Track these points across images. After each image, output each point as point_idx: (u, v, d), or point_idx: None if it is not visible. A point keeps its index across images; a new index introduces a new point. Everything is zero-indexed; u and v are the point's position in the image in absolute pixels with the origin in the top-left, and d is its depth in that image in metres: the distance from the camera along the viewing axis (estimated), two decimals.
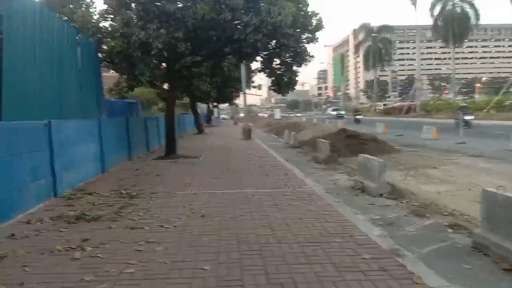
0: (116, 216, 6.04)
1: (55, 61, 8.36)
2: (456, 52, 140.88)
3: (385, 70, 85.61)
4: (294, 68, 13.67)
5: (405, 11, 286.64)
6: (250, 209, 6.34)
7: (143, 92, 28.51)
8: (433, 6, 47.55)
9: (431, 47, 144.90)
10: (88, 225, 5.60)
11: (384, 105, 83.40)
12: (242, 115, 45.02)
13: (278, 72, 13.85)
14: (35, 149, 6.80)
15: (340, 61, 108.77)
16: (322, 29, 12.92)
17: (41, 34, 7.65)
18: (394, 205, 6.84)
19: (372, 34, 65.12)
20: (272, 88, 14.46)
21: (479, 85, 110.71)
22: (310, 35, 13.08)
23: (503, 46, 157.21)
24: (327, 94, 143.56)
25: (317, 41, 13.19)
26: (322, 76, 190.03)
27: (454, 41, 46.84)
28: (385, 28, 65.71)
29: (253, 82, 42.83)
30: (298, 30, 12.43)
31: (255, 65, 41.35)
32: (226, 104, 63.97)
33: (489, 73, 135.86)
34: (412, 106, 55.13)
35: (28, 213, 6.25)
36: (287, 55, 12.83)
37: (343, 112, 63.53)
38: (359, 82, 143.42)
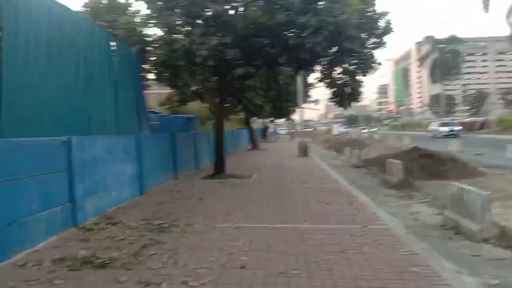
0: (133, 260, 4.69)
1: (81, 70, 7.34)
2: None
3: (451, 84, 79.98)
4: (358, 77, 11.86)
5: (468, 25, 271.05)
6: (306, 258, 4.71)
7: (200, 107, 27.91)
8: (510, 13, 42.86)
9: (501, 60, 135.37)
10: (92, 274, 4.28)
11: (453, 120, 77.58)
12: (299, 130, 43.03)
13: (339, 82, 12.11)
14: (48, 172, 5.69)
15: (403, 75, 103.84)
16: (391, 32, 11.08)
17: (60, 37, 6.64)
18: (511, 258, 4.88)
19: (439, 45, 60.80)
20: (333, 100, 12.70)
21: None
22: (376, 40, 11.30)
23: None
24: (390, 109, 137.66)
25: (385, 46, 11.34)
26: (382, 90, 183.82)
27: None
28: (453, 39, 61.18)
29: (309, 96, 41.26)
30: (363, 34, 10.73)
31: (312, 78, 39.43)
32: (283, 119, 62.64)
33: None
34: (486, 122, 50.34)
35: (32, 250, 5.09)
36: (351, 62, 11.11)
37: (458, 128, 42.49)
38: (421, 97, 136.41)
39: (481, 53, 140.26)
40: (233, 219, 6.79)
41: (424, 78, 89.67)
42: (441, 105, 66.59)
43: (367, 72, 11.35)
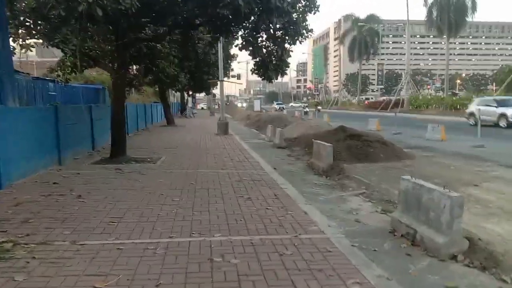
0: None
1: None
2: (435, 48, 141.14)
3: (367, 64, 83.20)
4: (286, 45, 10.18)
5: (389, 7, 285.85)
6: None
7: (108, 76, 24.49)
8: None
9: (413, 42, 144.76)
10: None
11: (367, 99, 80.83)
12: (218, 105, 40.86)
13: (265, 49, 10.33)
14: None
15: (323, 53, 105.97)
16: None
17: None
18: None
19: (359, 23, 61.93)
20: (256, 71, 10.92)
21: (459, 81, 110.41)
22: (307, 2, 9.69)
23: (480, 43, 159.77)
24: (308, 87, 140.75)
25: (318, 11, 9.80)
26: (301, 68, 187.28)
27: (449, 32, 43.91)
28: (372, 18, 62.68)
29: (232, 70, 39.39)
30: None
31: (234, 49, 36.99)
32: (203, 94, 59.91)
33: (466, 69, 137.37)
34: (398, 101, 52.56)
35: None
36: (278, 26, 9.38)
37: None
38: (337, 75, 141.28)
39: (391, 36, 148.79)
40: (116, 230, 4.81)
41: (341, 57, 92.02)
42: (359, 83, 68.52)
43: (296, 39, 9.72)
